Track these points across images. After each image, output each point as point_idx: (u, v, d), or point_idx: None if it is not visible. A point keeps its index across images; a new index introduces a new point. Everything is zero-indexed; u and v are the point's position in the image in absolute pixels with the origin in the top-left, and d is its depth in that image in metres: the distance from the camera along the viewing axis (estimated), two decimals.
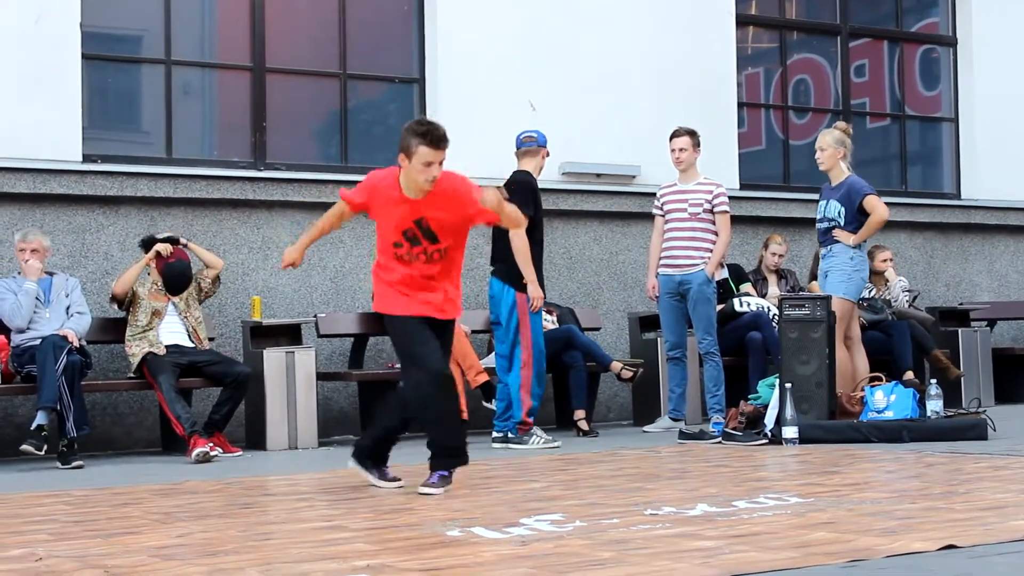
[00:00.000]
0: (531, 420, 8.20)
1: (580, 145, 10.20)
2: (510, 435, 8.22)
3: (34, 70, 8.74)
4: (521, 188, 8.06)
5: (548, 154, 8.52)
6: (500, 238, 8.16)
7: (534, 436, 8.15)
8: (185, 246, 8.73)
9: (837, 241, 8.75)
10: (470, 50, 10.13)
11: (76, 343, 7.90)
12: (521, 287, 8.12)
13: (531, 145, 8.38)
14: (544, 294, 8.22)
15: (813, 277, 10.42)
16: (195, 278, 8.76)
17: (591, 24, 10.62)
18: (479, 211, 5.84)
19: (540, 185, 8.45)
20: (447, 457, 5.79)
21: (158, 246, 8.59)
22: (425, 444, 5.87)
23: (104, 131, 9.35)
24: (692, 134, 9.13)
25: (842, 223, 8.73)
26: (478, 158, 9.68)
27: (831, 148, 8.84)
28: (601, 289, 10.63)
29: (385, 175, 5.90)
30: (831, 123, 12.07)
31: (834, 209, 8.76)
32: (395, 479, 5.99)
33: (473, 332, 9.47)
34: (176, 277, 8.60)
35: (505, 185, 7.95)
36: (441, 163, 5.69)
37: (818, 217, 8.94)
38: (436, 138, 5.63)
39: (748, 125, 11.79)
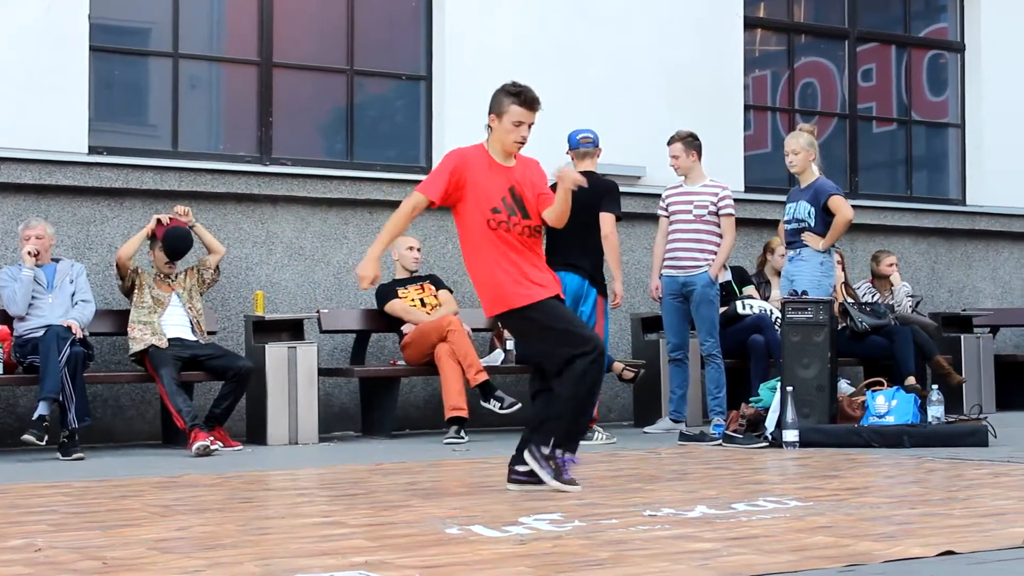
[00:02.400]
0: (597, 417, 8.46)
1: None
2: None
3: (41, 62, 8.74)
4: (613, 189, 8.53)
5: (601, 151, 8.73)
6: (578, 237, 8.20)
7: (596, 432, 8.33)
8: (192, 227, 8.73)
9: (806, 245, 8.77)
10: (478, 48, 10.13)
11: (79, 334, 7.90)
12: (601, 288, 8.36)
13: (588, 146, 8.59)
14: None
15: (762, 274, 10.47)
16: (197, 268, 8.76)
17: (599, 24, 10.62)
18: (543, 195, 5.80)
19: None
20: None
21: (158, 215, 8.60)
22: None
23: (110, 123, 9.36)
24: (686, 139, 9.11)
25: (812, 224, 8.76)
26: None
27: (804, 151, 8.84)
28: None
29: (470, 148, 5.82)
30: (838, 127, 12.16)
31: (804, 210, 8.79)
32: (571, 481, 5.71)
33: (474, 330, 9.46)
34: (178, 240, 8.58)
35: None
36: (530, 127, 5.72)
37: (786, 218, 8.96)
38: (529, 99, 5.69)
39: (754, 128, 11.78)
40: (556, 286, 5.78)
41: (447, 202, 5.71)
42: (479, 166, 5.70)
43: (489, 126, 5.78)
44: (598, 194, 8.26)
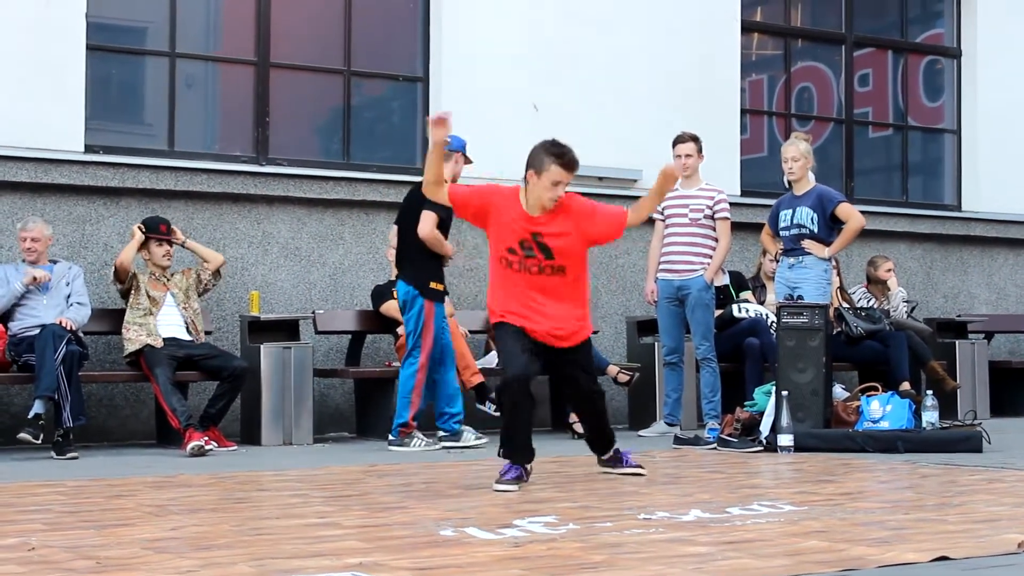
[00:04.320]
0: (415, 424, 8.18)
1: (582, 148, 9.96)
2: (391, 437, 8.20)
3: (38, 60, 8.74)
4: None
5: (467, 161, 8.27)
6: (403, 244, 8.16)
7: (415, 439, 8.14)
8: (183, 245, 8.72)
9: (808, 252, 8.80)
10: (474, 50, 10.13)
11: (68, 325, 7.86)
12: (427, 292, 8.10)
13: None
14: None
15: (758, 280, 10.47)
16: (195, 269, 8.76)
17: (596, 27, 10.63)
18: (600, 231, 6.13)
19: None
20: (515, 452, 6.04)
21: (138, 225, 8.58)
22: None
23: (107, 122, 9.35)
24: (696, 139, 9.15)
25: (816, 230, 8.78)
26: (480, 158, 9.69)
27: (804, 158, 8.91)
28: (600, 292, 10.63)
29: (508, 188, 6.13)
30: (834, 131, 12.17)
31: (806, 216, 8.82)
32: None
33: (471, 332, 9.47)
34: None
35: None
36: (566, 185, 6.01)
37: (784, 224, 8.98)
38: (569, 161, 6.00)
39: (751, 131, 11.79)
40: (563, 323, 6.08)
41: (463, 212, 6.19)
42: (507, 208, 6.02)
43: (526, 179, 6.01)
44: (420, 199, 7.33)
